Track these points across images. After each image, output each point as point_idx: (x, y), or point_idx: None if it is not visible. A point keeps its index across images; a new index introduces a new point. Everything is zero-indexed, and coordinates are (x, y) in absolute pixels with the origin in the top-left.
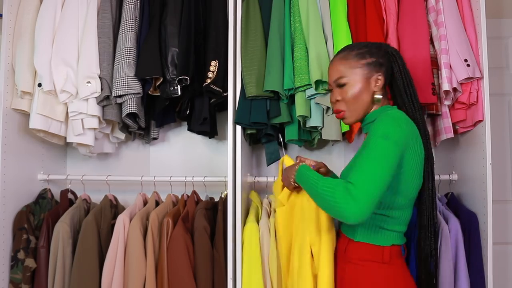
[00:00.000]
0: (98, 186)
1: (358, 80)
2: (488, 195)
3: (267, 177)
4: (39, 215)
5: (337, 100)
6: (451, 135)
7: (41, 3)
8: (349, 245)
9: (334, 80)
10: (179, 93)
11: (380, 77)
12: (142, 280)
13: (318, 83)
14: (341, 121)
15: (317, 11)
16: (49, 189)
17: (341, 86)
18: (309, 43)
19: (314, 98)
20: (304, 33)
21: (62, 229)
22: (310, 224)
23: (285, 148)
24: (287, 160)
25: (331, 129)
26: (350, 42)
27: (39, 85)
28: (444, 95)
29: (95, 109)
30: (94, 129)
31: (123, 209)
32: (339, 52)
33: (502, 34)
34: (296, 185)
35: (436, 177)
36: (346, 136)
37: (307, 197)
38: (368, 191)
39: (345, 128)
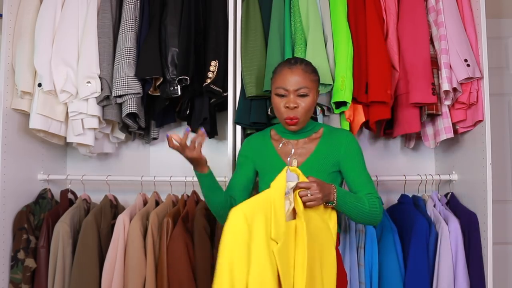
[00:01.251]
0: (98, 186)
1: (314, 93)
2: (488, 195)
3: None
4: (39, 215)
5: (295, 107)
6: (451, 135)
7: (41, 3)
8: None
9: (297, 89)
10: (179, 93)
11: (318, 93)
12: (142, 280)
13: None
14: (342, 122)
15: (317, 11)
16: (49, 189)
17: (302, 96)
18: (309, 44)
19: None
20: (304, 33)
21: (62, 229)
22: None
23: None
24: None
25: None
26: (350, 42)
27: (39, 85)
28: (444, 95)
29: (95, 109)
30: (94, 129)
31: (123, 209)
32: (296, 62)
33: (502, 34)
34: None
35: (436, 177)
36: None
37: (319, 215)
38: None
39: (344, 127)
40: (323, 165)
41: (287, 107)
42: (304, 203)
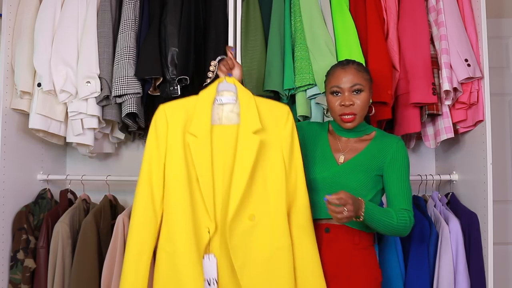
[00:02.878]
0: (97, 186)
1: (368, 90)
2: (489, 195)
3: None
4: (39, 215)
5: (351, 104)
6: (452, 135)
7: (40, 2)
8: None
9: (352, 86)
10: (179, 93)
11: (371, 93)
12: None
13: None
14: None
15: (320, 11)
16: (49, 189)
17: (357, 92)
18: (314, 44)
19: (315, 98)
20: (305, 33)
21: (61, 229)
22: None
23: None
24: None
25: None
26: (357, 41)
27: (39, 85)
28: (444, 95)
29: (95, 109)
30: (94, 129)
31: (123, 209)
32: (348, 63)
33: (502, 34)
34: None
35: (437, 177)
36: None
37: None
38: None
39: None
40: (369, 166)
41: (343, 105)
42: (338, 219)
